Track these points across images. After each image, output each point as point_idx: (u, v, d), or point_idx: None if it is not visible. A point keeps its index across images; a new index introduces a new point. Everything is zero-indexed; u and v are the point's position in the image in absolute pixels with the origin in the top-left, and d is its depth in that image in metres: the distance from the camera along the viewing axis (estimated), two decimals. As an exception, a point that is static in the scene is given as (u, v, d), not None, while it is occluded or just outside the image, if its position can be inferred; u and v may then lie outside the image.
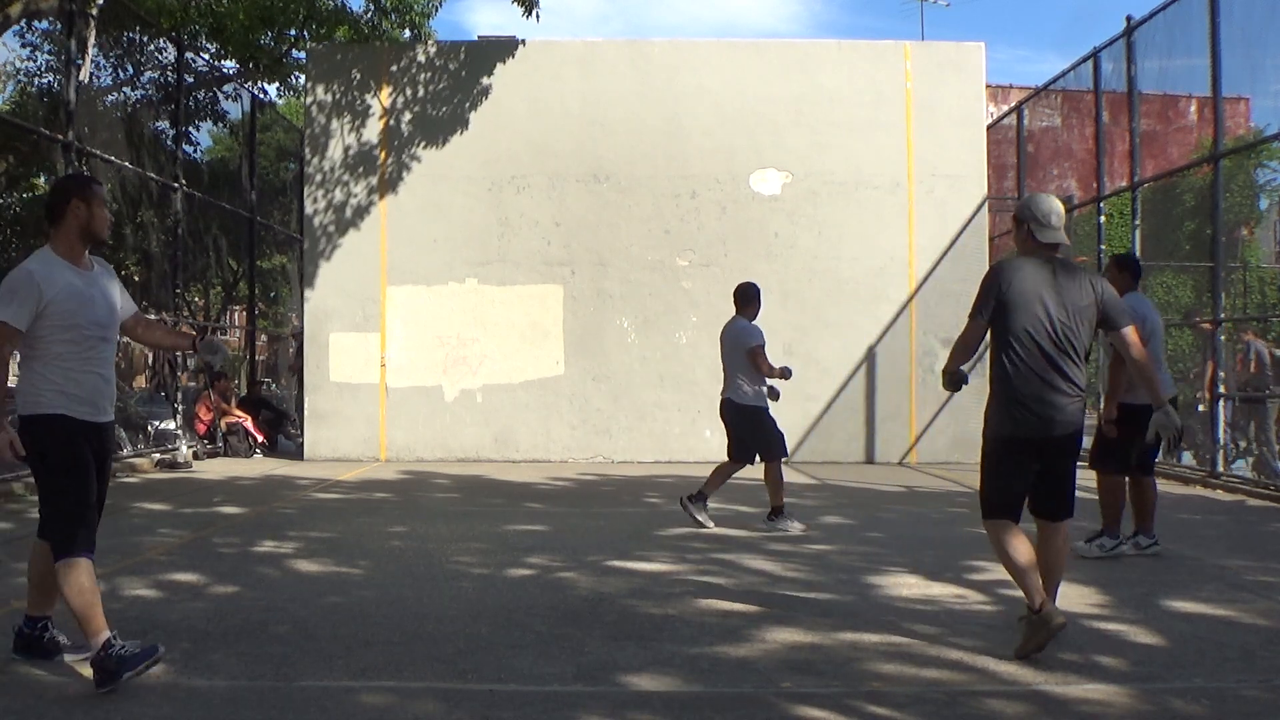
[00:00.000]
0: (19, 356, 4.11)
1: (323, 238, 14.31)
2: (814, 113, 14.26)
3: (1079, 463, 4.71)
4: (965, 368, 4.71)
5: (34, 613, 4.18)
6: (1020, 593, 4.50)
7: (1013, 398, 4.42)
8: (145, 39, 15.16)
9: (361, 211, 14.36)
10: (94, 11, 11.99)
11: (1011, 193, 18.00)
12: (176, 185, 13.75)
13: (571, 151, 14.27)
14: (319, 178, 14.39)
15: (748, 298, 8.25)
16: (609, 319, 14.24)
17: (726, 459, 8.21)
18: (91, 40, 12.02)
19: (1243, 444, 12.60)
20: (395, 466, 13.11)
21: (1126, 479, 6.81)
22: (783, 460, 8.06)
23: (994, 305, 4.45)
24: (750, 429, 8.07)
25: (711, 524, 7.99)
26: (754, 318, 8.20)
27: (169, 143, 14.46)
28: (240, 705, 3.69)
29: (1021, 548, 4.39)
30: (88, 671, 4.04)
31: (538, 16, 13.78)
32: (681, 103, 14.30)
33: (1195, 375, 14.70)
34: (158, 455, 12.82)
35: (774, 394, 8.11)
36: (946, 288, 14.14)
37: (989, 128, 15.83)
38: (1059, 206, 4.63)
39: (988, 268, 4.58)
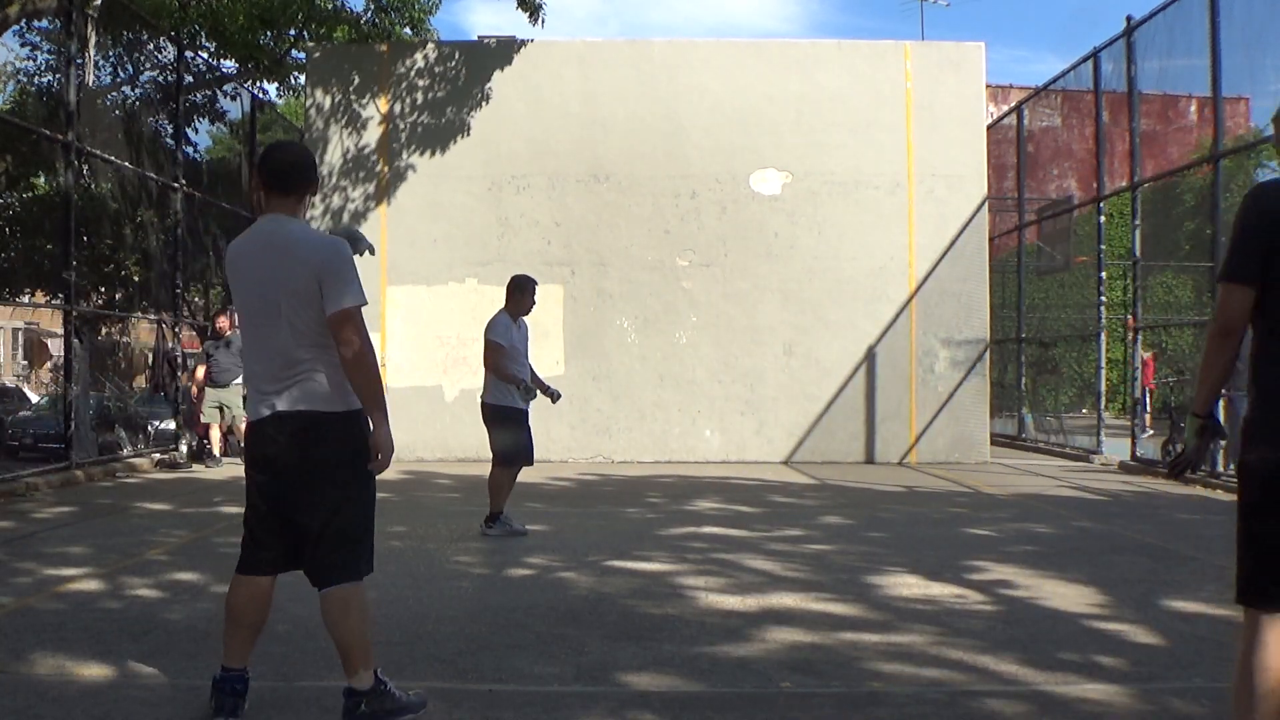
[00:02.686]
0: (315, 347, 3.49)
1: (323, 238, 14.30)
2: (814, 113, 14.26)
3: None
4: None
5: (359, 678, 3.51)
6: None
7: None
8: (145, 38, 15.15)
9: (361, 211, 14.36)
10: (91, 12, 11.97)
11: (1011, 192, 18.02)
12: (176, 185, 13.75)
13: (571, 151, 14.27)
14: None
15: (508, 290, 7.66)
16: (609, 319, 14.24)
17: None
18: (90, 37, 11.98)
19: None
20: (395, 466, 13.01)
21: None
22: (515, 469, 7.64)
23: (1265, 256, 2.78)
24: (490, 426, 7.60)
25: (525, 527, 7.61)
26: (518, 312, 7.61)
27: (169, 142, 14.45)
28: (240, 705, 3.68)
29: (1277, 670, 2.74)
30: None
31: (543, 22, 13.75)
32: (681, 103, 14.31)
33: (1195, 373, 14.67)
34: (158, 455, 12.81)
35: (528, 392, 7.50)
36: (946, 288, 14.16)
37: (989, 128, 15.84)
38: None
39: (1247, 196, 2.88)
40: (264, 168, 3.57)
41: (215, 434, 12.67)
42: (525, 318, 7.83)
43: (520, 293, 7.66)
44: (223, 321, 12.81)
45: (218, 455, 12.61)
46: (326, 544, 3.48)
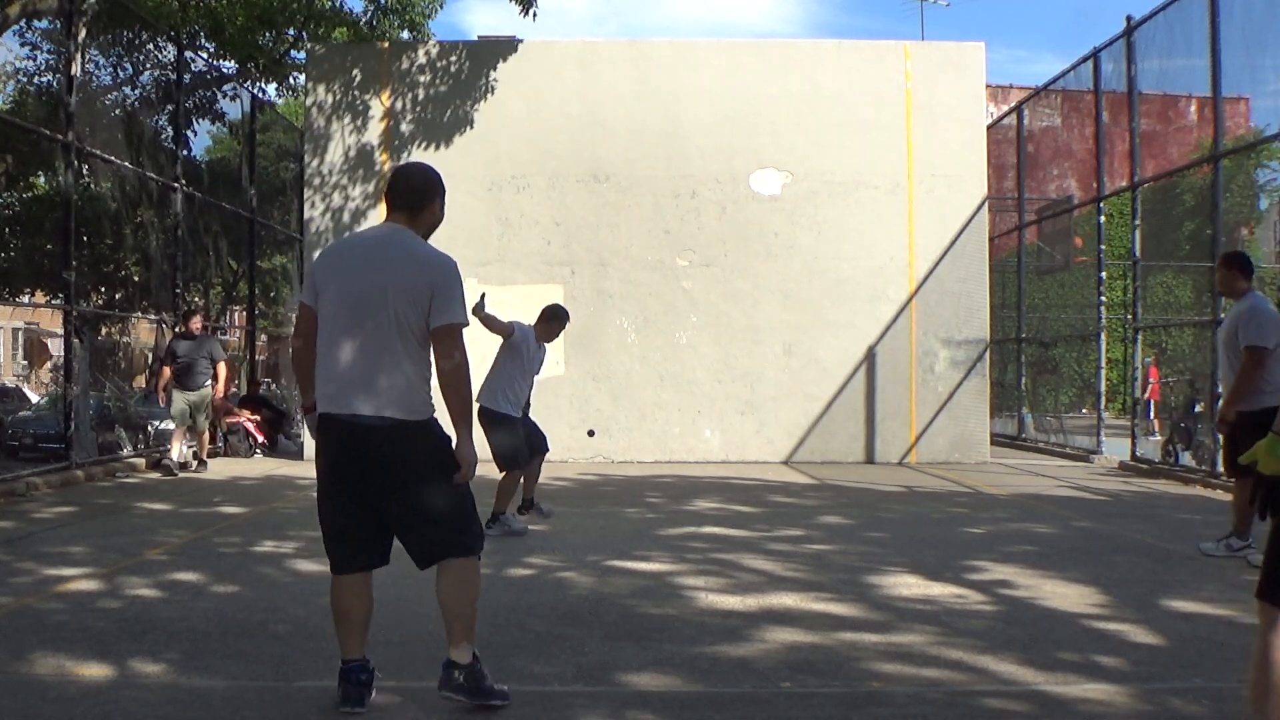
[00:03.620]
0: (405, 352, 3.60)
1: (322, 237, 14.30)
2: (814, 113, 14.25)
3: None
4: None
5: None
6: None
7: None
8: (145, 38, 15.16)
9: (361, 211, 14.35)
10: (88, 9, 11.96)
11: (1011, 192, 18.02)
12: (176, 185, 13.74)
13: (571, 151, 14.26)
14: (318, 180, 14.39)
15: (542, 313, 8.03)
16: (609, 319, 14.24)
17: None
18: (82, 37, 11.95)
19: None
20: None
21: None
22: (534, 466, 8.02)
23: None
24: (485, 430, 7.60)
25: (525, 527, 7.68)
26: (542, 336, 7.91)
27: (168, 142, 14.45)
28: (240, 705, 3.68)
29: None
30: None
31: (534, 15, 13.77)
32: (681, 103, 14.30)
33: (1195, 375, 14.70)
34: (157, 455, 12.79)
35: (479, 308, 7.50)
36: (946, 288, 14.15)
37: (989, 128, 15.83)
38: None
39: None
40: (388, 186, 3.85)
41: (206, 439, 12.31)
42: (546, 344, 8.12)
43: (551, 321, 7.97)
44: (196, 322, 12.21)
45: (189, 462, 12.11)
46: (434, 526, 3.66)
